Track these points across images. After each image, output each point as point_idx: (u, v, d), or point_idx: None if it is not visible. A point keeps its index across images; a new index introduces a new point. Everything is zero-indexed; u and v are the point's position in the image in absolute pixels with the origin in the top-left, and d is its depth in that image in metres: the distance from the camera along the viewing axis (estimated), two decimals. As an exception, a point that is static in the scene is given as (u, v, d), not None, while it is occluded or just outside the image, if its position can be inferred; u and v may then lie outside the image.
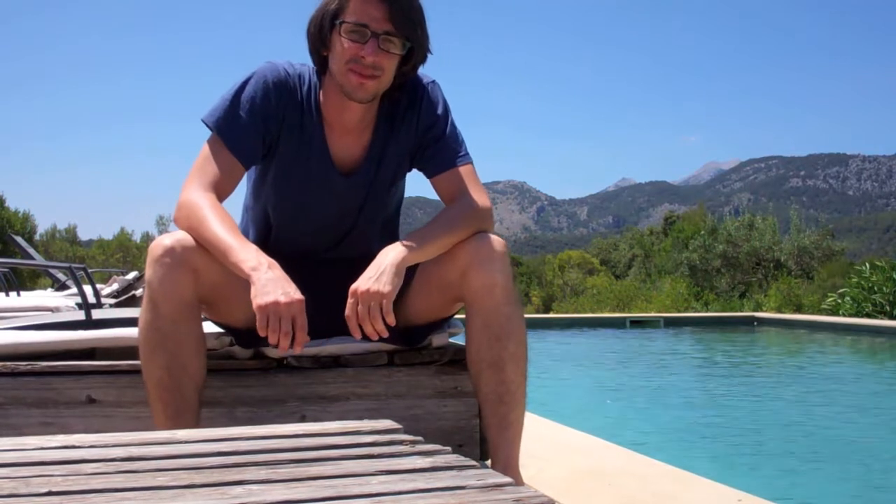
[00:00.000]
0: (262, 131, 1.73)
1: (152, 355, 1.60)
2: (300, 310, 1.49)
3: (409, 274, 1.70)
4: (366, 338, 1.58)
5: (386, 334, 1.57)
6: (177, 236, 1.60)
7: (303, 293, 1.52)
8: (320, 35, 1.71)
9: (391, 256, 1.61)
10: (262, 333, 1.47)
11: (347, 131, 1.79)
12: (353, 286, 1.58)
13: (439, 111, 1.82)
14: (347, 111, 1.76)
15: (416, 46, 1.70)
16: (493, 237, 1.69)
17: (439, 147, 1.81)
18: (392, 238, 1.85)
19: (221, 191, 1.69)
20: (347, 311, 1.57)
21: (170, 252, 1.57)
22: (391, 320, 1.56)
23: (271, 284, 1.48)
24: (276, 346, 1.48)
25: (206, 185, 1.67)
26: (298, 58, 1.82)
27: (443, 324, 1.86)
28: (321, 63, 1.77)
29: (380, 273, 1.58)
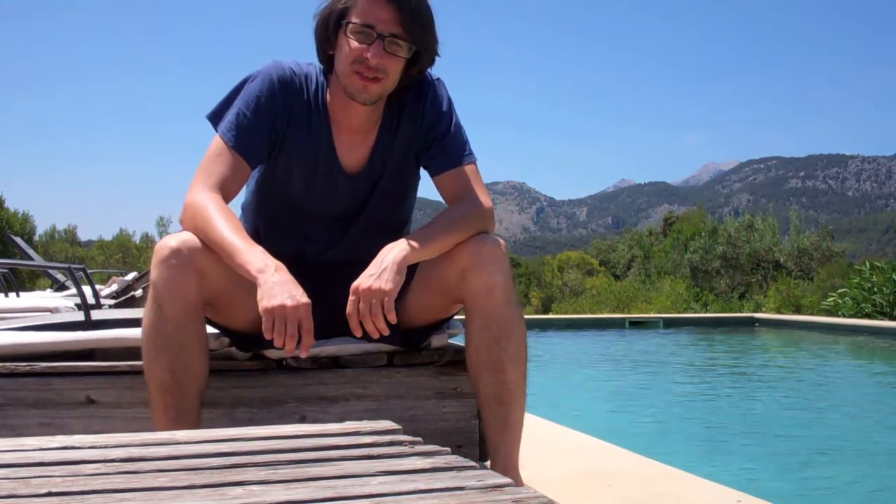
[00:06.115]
0: (267, 130, 1.71)
1: (156, 357, 1.58)
2: (307, 313, 1.47)
3: (408, 275, 1.69)
4: (366, 336, 1.58)
5: (387, 332, 1.57)
6: (183, 237, 1.58)
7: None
8: (326, 34, 1.70)
9: (393, 254, 1.60)
10: (267, 336, 1.46)
11: (354, 131, 1.78)
12: (355, 283, 1.57)
13: (444, 109, 1.81)
14: (353, 111, 1.75)
15: (422, 50, 1.69)
16: (493, 238, 1.69)
17: (444, 145, 1.80)
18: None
19: (227, 191, 1.67)
20: (349, 308, 1.56)
21: (176, 253, 1.56)
22: (392, 318, 1.55)
23: (278, 287, 1.47)
24: (282, 349, 1.46)
25: (212, 185, 1.64)
26: (304, 58, 1.81)
27: (442, 325, 1.86)
28: (328, 62, 1.75)
29: (381, 270, 1.57)
